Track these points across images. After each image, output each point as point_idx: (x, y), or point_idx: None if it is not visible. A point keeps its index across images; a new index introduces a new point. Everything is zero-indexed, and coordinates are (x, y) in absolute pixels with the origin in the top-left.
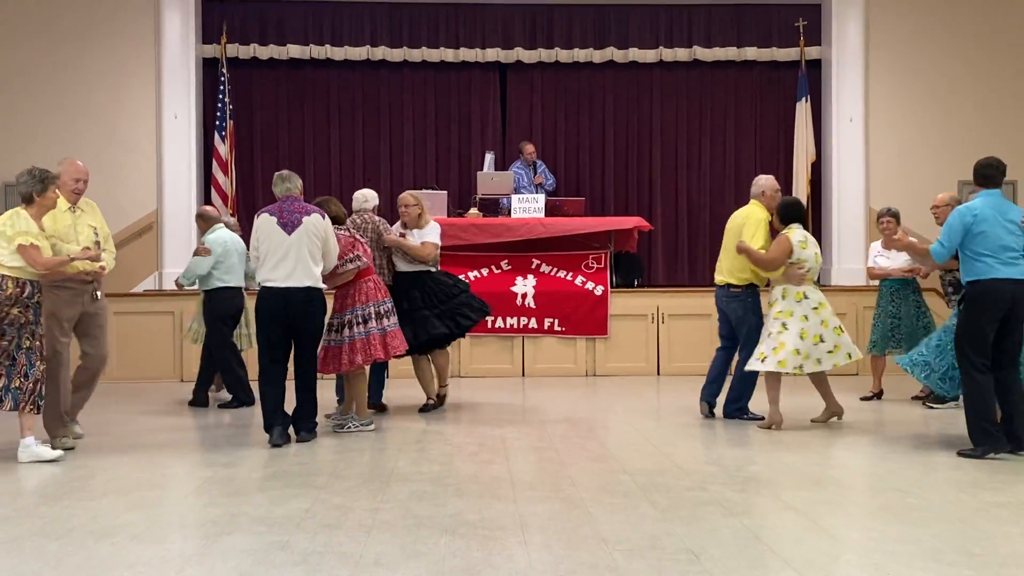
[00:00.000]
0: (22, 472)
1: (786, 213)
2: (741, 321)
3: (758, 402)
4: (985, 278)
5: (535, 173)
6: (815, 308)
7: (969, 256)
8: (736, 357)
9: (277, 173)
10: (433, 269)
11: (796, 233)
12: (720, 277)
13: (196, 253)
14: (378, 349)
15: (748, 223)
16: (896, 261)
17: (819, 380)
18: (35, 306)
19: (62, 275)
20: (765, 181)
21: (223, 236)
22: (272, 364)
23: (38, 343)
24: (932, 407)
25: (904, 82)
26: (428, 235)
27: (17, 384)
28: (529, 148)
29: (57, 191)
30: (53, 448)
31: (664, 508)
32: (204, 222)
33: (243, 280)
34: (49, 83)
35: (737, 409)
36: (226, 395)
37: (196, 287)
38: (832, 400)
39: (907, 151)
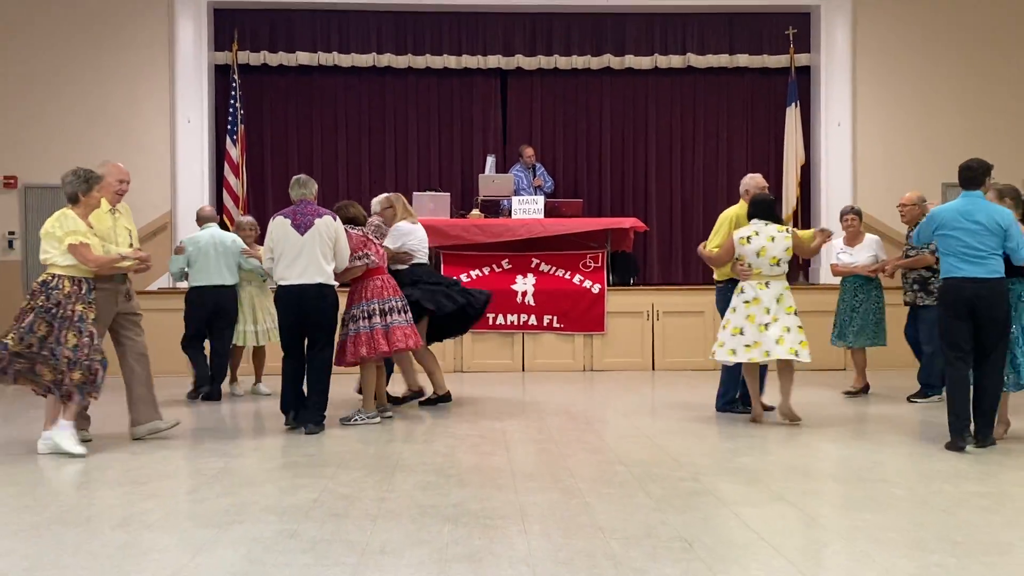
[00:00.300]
0: (42, 463)
1: (749, 212)
2: (722, 313)
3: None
4: (948, 276)
5: (534, 176)
6: (747, 302)
7: (940, 255)
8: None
9: (295, 178)
10: (403, 267)
11: (741, 230)
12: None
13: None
14: (381, 343)
15: (717, 221)
16: (858, 258)
17: (782, 377)
18: (92, 302)
19: (111, 271)
20: (748, 180)
21: (200, 236)
22: (291, 354)
23: (85, 338)
24: (914, 401)
25: (890, 88)
26: (386, 238)
27: (77, 377)
28: (528, 152)
29: (100, 192)
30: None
31: (659, 498)
32: (199, 221)
33: (224, 279)
34: (68, 88)
35: (725, 403)
36: (239, 389)
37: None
38: (784, 402)
39: (893, 154)
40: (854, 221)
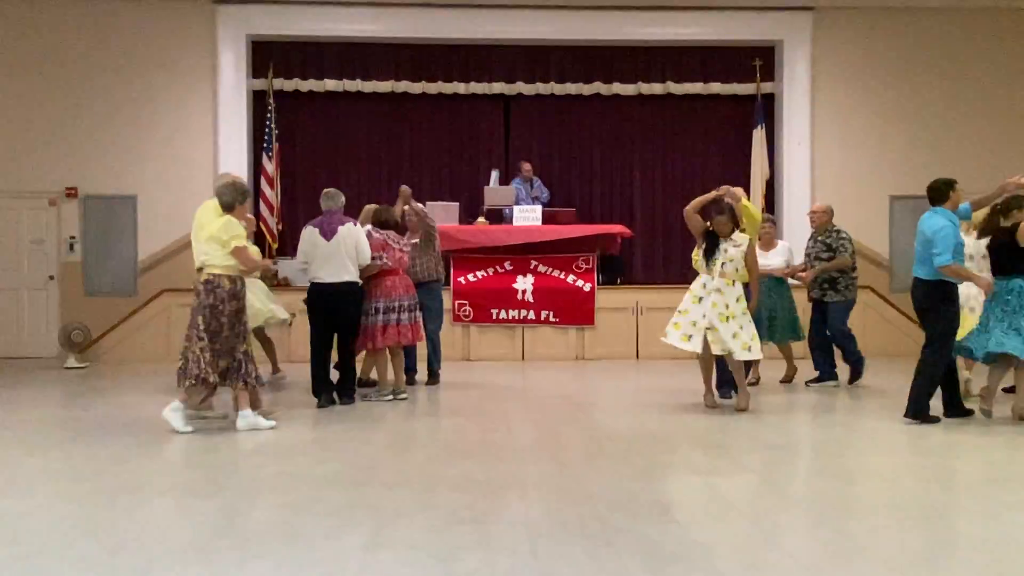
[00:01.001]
0: (99, 439)
1: None
2: None
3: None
4: None
5: (532, 188)
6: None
7: None
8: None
9: (324, 191)
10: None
11: None
12: None
13: None
14: (375, 338)
15: None
16: (772, 262)
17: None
18: (242, 298)
19: (253, 271)
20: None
21: None
22: (320, 343)
23: (242, 328)
24: (856, 383)
25: (844, 112)
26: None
27: (251, 368)
28: (527, 167)
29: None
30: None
31: (641, 468)
32: None
33: None
34: (123, 110)
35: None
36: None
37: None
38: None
39: (847, 170)
40: (771, 228)
